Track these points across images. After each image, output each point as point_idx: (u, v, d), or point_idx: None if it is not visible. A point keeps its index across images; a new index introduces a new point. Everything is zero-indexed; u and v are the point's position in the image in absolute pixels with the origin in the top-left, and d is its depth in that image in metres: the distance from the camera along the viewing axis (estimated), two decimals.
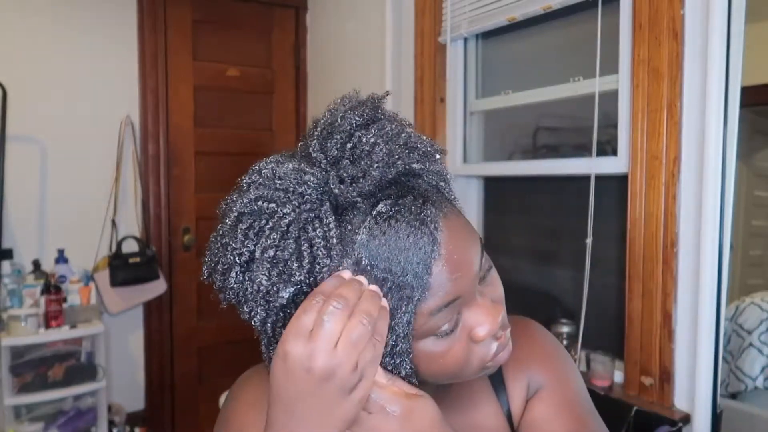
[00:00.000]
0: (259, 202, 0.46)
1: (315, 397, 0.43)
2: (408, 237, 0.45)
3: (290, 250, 0.45)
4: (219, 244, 0.48)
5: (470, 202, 2.06)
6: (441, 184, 0.53)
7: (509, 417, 0.63)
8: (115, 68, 2.54)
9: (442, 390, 0.60)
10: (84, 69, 2.47)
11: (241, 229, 0.46)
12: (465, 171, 2.03)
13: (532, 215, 1.86)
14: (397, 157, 0.47)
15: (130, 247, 2.48)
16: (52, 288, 2.16)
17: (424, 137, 0.52)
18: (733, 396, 1.82)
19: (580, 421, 0.61)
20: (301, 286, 0.46)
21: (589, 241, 1.50)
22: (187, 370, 2.73)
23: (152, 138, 2.60)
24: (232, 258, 0.46)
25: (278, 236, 0.45)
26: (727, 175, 1.24)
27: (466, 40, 2.02)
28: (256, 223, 0.46)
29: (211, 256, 0.49)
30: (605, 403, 1.40)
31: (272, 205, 0.46)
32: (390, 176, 0.47)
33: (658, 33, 1.33)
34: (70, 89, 2.44)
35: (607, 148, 1.56)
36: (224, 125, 2.78)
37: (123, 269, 2.38)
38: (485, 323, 0.50)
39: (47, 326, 2.16)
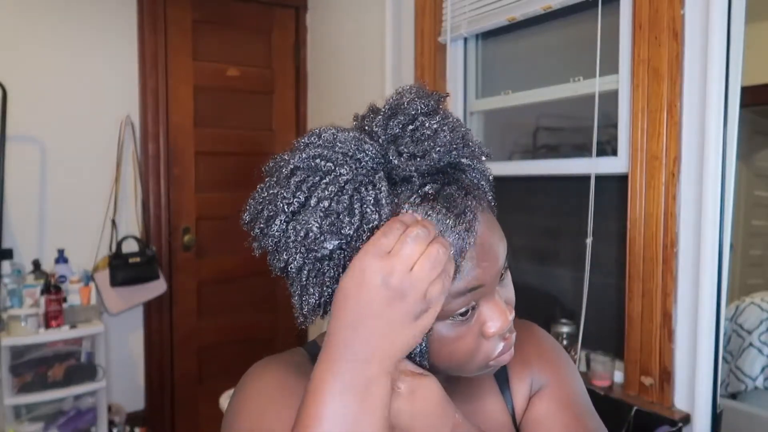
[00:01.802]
0: (317, 160, 0.49)
1: (382, 319, 0.45)
2: (448, 221, 0.48)
3: (344, 204, 0.47)
4: (266, 193, 0.51)
5: None
6: (482, 183, 0.55)
7: (512, 414, 0.66)
8: (115, 68, 2.54)
9: (451, 382, 0.62)
10: (84, 69, 2.46)
11: (294, 181, 0.49)
12: None
13: (532, 215, 1.86)
14: (455, 146, 0.51)
15: (130, 247, 2.49)
16: (52, 288, 2.16)
17: (476, 138, 0.55)
18: (733, 396, 1.82)
19: (580, 419, 0.63)
20: (344, 242, 0.48)
21: (589, 241, 1.50)
22: (187, 370, 2.72)
23: (152, 138, 2.60)
24: (280, 206, 0.49)
25: (335, 189, 0.47)
26: (727, 175, 1.24)
27: (466, 40, 2.02)
28: (311, 178, 0.49)
29: (255, 204, 0.52)
30: (605, 403, 1.40)
31: (329, 164, 0.49)
32: (444, 162, 0.51)
33: (658, 33, 1.33)
34: (70, 89, 2.44)
35: (607, 148, 1.56)
36: (224, 125, 2.78)
37: (123, 269, 2.38)
38: (497, 320, 0.53)
39: (47, 326, 2.16)
